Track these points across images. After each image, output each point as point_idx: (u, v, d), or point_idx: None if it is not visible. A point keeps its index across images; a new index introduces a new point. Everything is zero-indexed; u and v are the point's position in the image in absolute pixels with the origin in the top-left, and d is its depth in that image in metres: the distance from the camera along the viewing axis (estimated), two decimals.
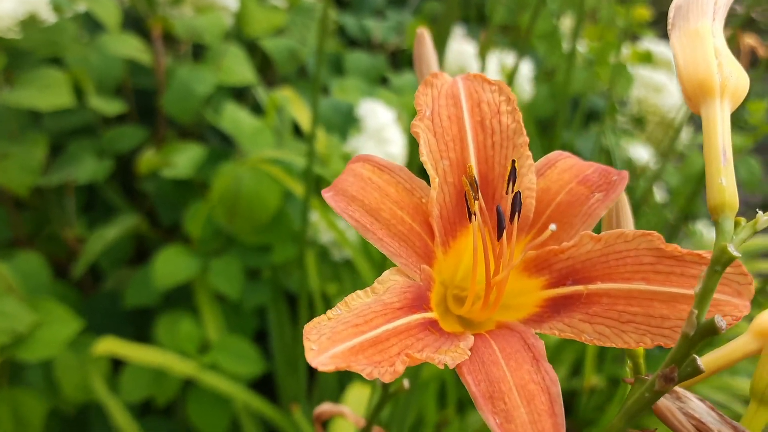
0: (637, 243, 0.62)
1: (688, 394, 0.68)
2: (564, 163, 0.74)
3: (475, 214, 0.65)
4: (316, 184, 2.36)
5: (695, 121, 3.44)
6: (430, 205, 0.67)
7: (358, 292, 0.61)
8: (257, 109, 2.85)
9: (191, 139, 2.93)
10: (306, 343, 0.54)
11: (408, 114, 2.60)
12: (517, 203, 0.65)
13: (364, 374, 0.53)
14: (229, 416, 2.40)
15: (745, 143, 3.15)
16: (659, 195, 3.50)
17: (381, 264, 2.25)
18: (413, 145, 2.34)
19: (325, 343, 0.55)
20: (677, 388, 0.68)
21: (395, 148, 2.27)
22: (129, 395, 2.27)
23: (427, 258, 0.68)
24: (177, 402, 2.47)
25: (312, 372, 2.78)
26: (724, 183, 0.55)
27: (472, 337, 0.62)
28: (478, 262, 0.66)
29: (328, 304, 2.66)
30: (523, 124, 0.69)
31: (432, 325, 0.62)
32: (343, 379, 2.64)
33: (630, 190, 3.35)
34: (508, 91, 0.71)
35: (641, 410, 0.57)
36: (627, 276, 0.62)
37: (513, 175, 0.65)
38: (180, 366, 2.20)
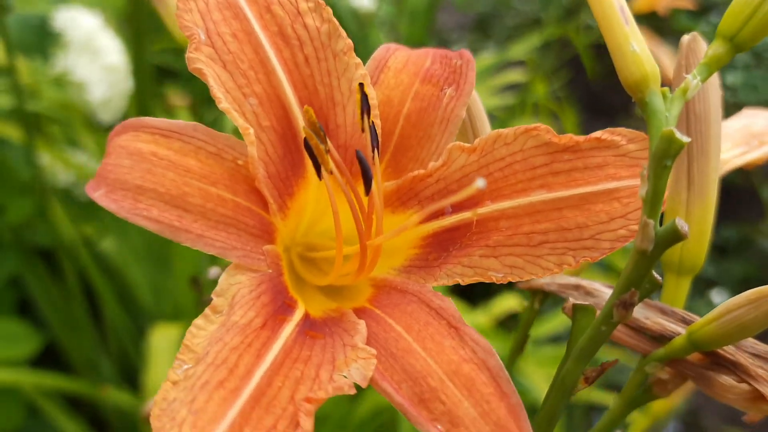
0: (521, 143, 0.49)
1: (597, 285, 0.60)
2: (397, 61, 0.57)
3: (331, 172, 0.47)
4: (35, 121, 1.95)
5: None
6: (252, 165, 0.48)
7: (197, 322, 0.43)
8: None
9: None
10: None
11: (113, 11, 2.20)
12: (373, 139, 0.49)
13: None
14: (23, 404, 2.19)
15: None
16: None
17: None
18: (137, 48, 2.00)
19: None
20: (585, 283, 0.60)
21: (114, 57, 1.91)
22: None
23: (267, 235, 0.50)
24: None
25: (99, 320, 2.52)
26: (637, 49, 0.42)
27: (363, 323, 0.47)
28: (342, 224, 0.50)
29: (91, 248, 2.35)
30: (337, 22, 0.51)
31: (308, 325, 0.46)
32: (140, 320, 2.41)
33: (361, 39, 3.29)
34: None
35: (598, 347, 0.46)
36: (521, 188, 0.50)
37: (366, 104, 0.48)
38: None
